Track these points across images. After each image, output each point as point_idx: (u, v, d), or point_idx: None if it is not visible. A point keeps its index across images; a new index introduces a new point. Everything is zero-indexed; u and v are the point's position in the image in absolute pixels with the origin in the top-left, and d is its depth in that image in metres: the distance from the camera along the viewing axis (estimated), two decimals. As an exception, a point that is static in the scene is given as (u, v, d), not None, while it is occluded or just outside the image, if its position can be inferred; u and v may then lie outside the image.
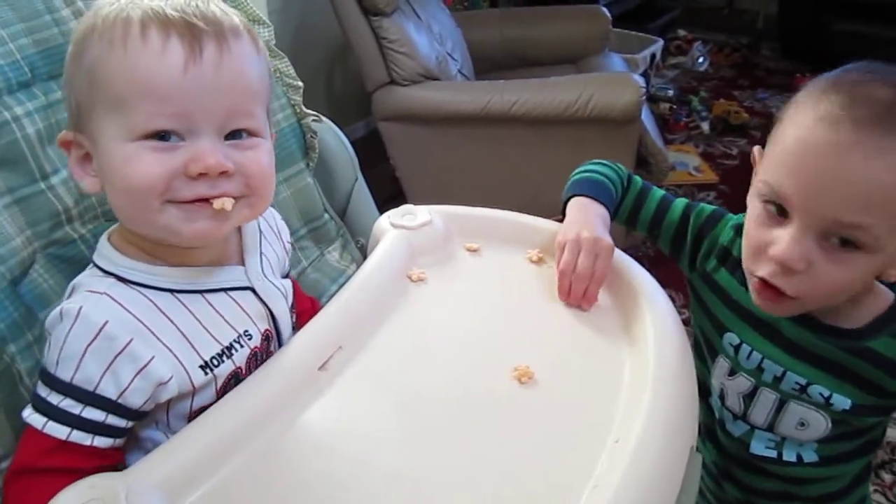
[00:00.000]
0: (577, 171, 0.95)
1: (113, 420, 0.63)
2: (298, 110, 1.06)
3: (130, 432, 0.67)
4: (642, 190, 0.95)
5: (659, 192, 0.95)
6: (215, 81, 0.62)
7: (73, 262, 0.78)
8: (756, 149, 0.79)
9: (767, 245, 0.71)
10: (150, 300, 0.66)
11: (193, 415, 0.68)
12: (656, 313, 0.78)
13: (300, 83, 1.07)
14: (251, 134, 0.66)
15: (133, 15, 0.61)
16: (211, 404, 0.68)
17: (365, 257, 0.90)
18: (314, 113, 1.09)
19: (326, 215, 1.10)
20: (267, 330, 0.75)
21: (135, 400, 0.63)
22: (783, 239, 0.69)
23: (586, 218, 0.87)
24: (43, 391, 0.63)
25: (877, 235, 0.66)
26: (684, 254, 0.92)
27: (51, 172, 0.78)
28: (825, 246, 0.68)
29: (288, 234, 0.85)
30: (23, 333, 0.72)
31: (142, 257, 0.68)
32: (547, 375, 0.72)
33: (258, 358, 0.73)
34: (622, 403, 0.69)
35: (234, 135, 0.65)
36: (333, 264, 1.08)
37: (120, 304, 0.64)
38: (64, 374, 0.62)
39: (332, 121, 1.15)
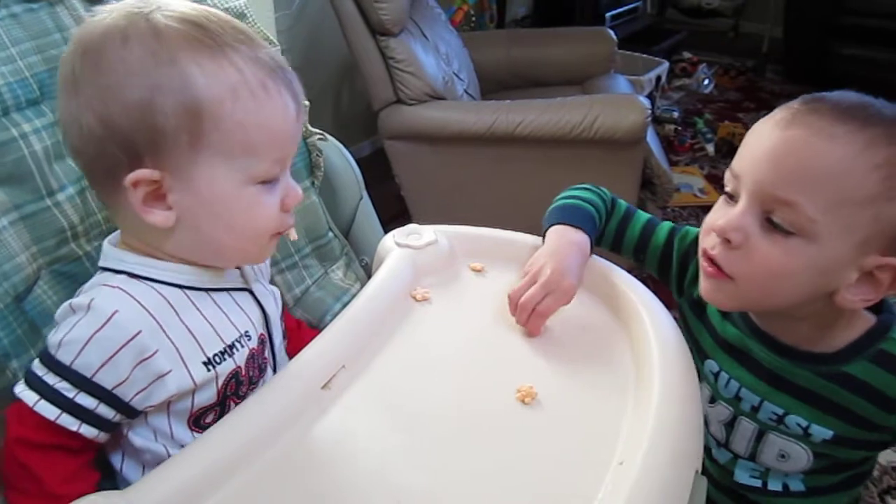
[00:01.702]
0: (559, 196, 0.93)
1: (103, 410, 0.64)
2: (304, 129, 1.07)
3: (128, 442, 0.68)
4: (626, 213, 0.93)
5: (644, 216, 0.94)
6: (300, 123, 0.69)
7: (77, 278, 0.79)
8: None
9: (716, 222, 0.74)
10: (162, 295, 0.67)
11: (194, 415, 0.69)
12: (660, 334, 0.77)
13: (306, 102, 1.07)
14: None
15: (246, 71, 0.63)
16: (212, 405, 0.69)
17: (369, 276, 0.90)
18: (320, 132, 1.10)
19: (331, 234, 1.10)
20: (262, 334, 0.76)
21: (129, 391, 0.64)
22: (728, 213, 0.73)
23: (561, 250, 0.84)
24: (39, 370, 0.64)
25: (810, 218, 0.67)
26: (671, 278, 0.91)
27: (57, 189, 0.78)
28: (765, 226, 0.70)
29: None
30: (26, 349, 0.72)
31: (150, 253, 0.68)
32: (550, 396, 0.72)
33: (255, 360, 0.74)
34: (626, 425, 0.68)
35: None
36: (337, 283, 1.08)
37: (132, 296, 0.65)
38: (64, 357, 0.63)
39: (338, 139, 1.15)
